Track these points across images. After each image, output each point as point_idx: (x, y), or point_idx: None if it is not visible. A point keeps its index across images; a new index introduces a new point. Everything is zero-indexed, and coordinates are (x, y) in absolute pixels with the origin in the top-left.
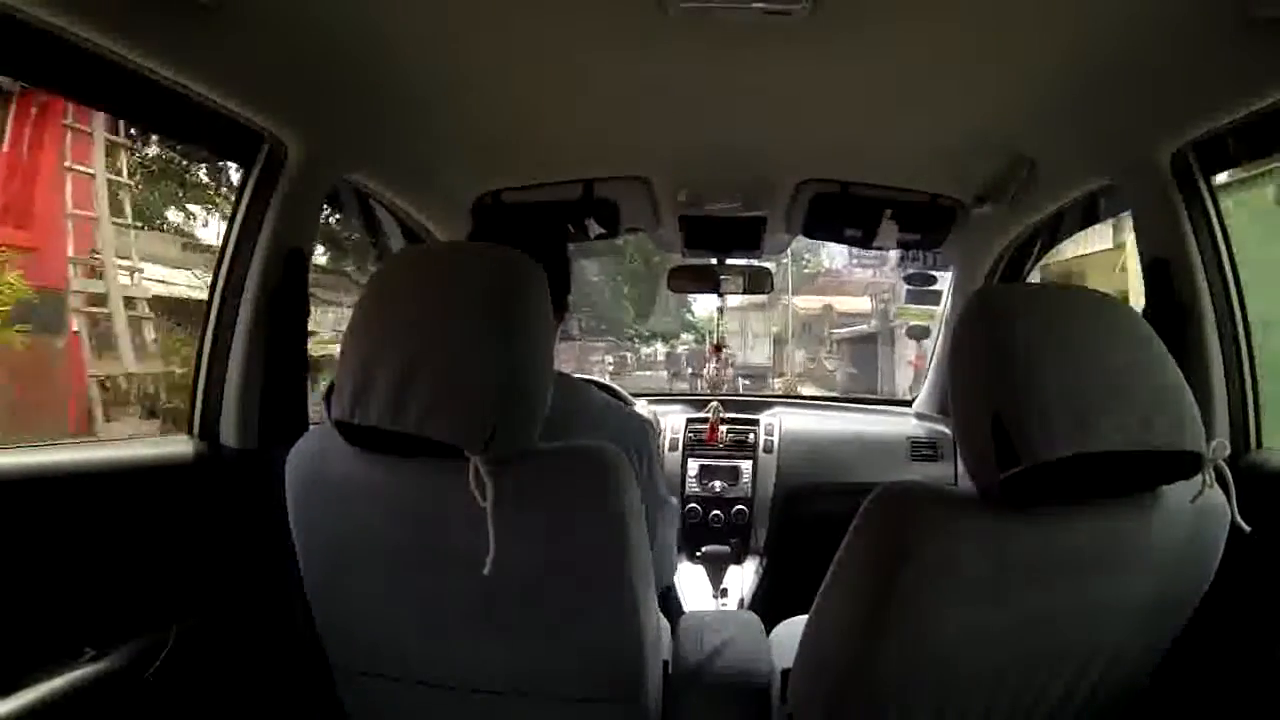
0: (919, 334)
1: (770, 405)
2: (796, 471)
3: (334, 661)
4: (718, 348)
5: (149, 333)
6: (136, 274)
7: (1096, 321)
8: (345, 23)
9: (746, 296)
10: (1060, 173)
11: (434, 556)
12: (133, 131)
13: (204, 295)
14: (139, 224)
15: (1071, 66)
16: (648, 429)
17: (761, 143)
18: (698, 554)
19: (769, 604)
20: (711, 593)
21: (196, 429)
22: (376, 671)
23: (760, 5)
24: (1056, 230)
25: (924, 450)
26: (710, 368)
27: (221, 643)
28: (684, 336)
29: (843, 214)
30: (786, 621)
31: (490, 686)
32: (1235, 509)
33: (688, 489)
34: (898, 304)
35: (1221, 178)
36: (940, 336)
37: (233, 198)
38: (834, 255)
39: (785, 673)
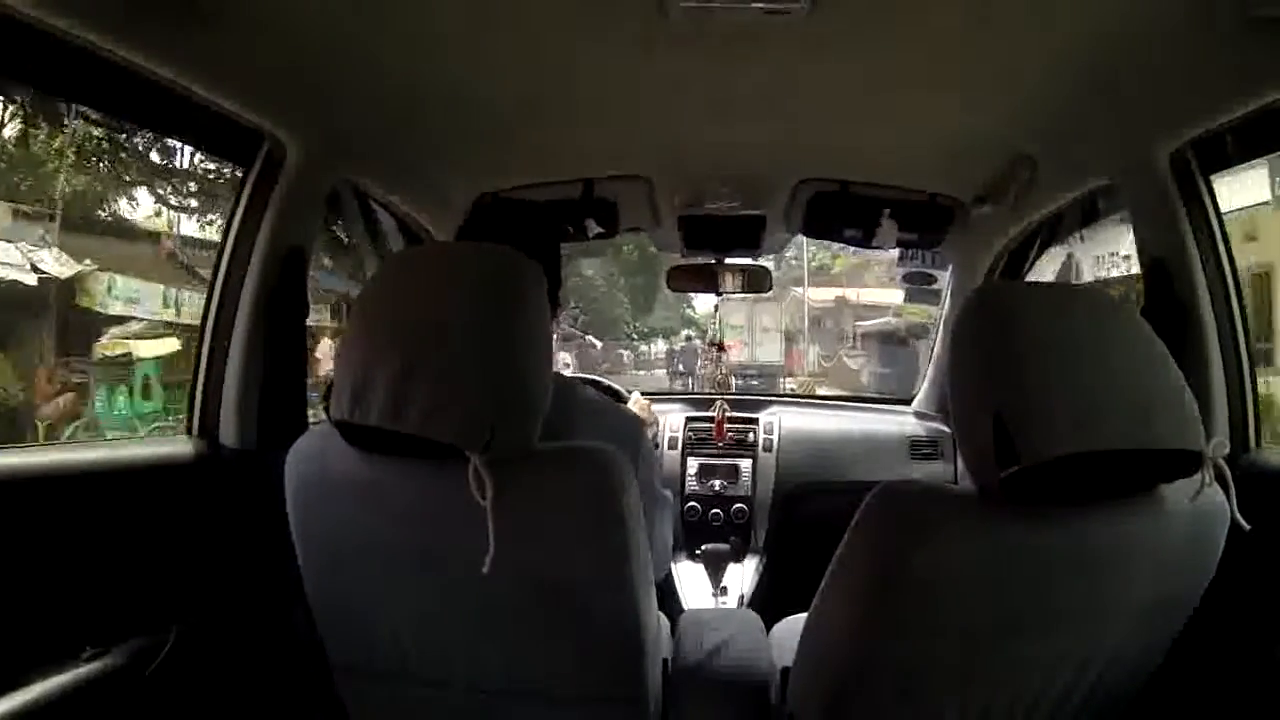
0: (918, 333)
1: (770, 404)
2: (796, 470)
3: (333, 661)
4: (718, 345)
5: None
6: None
7: (1096, 320)
8: (344, 23)
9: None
10: (1059, 172)
11: (433, 556)
12: None
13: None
14: None
15: (1071, 66)
16: (640, 425)
17: (761, 142)
18: (697, 552)
19: (769, 602)
20: (711, 591)
21: (196, 429)
22: (375, 671)
23: (760, 5)
24: (1056, 230)
25: (924, 449)
26: (708, 366)
27: (221, 642)
28: (685, 333)
29: (842, 213)
30: (786, 620)
31: (490, 685)
32: (1235, 508)
33: (687, 487)
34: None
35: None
36: (939, 335)
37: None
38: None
39: (785, 671)
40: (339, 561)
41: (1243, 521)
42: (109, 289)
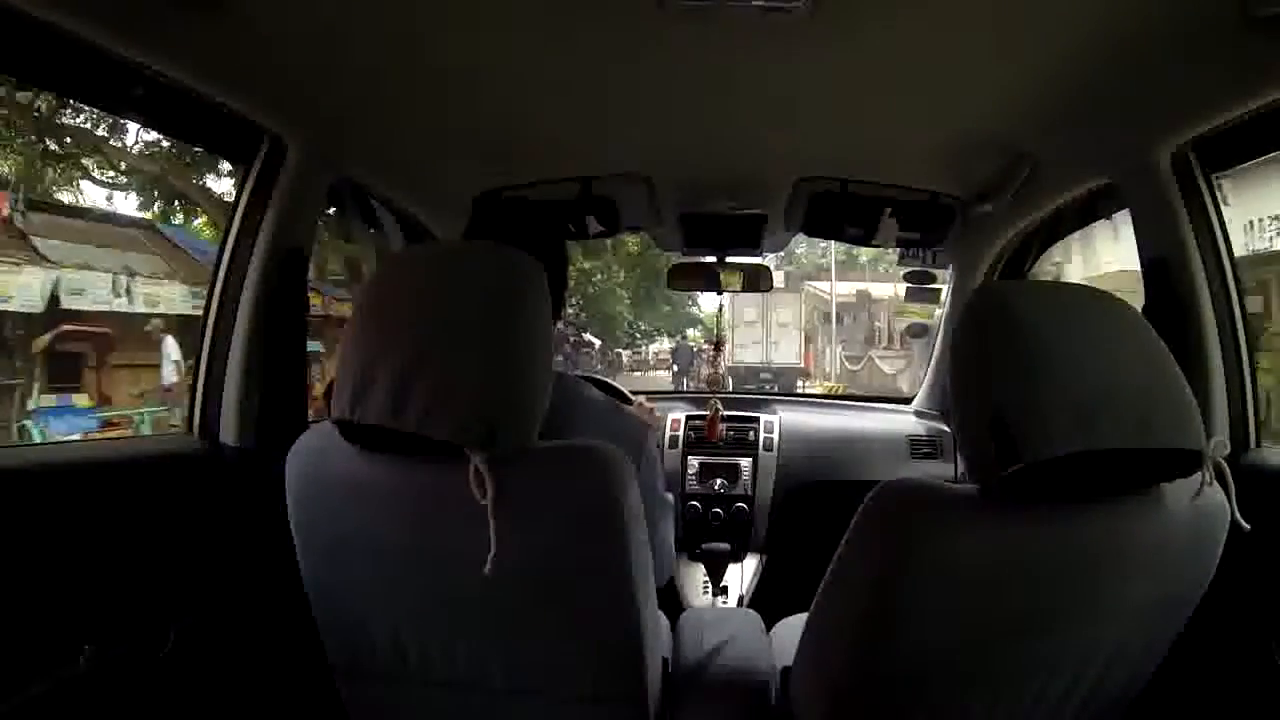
0: (918, 332)
1: (771, 403)
2: (796, 469)
3: (333, 660)
4: (715, 344)
5: None
6: None
7: (1096, 319)
8: (345, 20)
9: (776, 276)
10: (1060, 171)
11: (434, 555)
12: None
13: None
14: None
15: (1071, 65)
16: (645, 427)
17: (761, 140)
18: (697, 551)
19: (769, 602)
20: (711, 590)
21: (196, 428)
22: (376, 670)
23: (760, 3)
24: (1056, 229)
25: (924, 448)
26: (705, 367)
27: (221, 641)
28: (688, 331)
29: (842, 212)
30: (786, 620)
31: (490, 684)
32: (1235, 507)
33: (688, 486)
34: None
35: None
36: (940, 334)
37: None
38: None
39: (785, 671)
40: (339, 560)
41: (1242, 521)
42: None
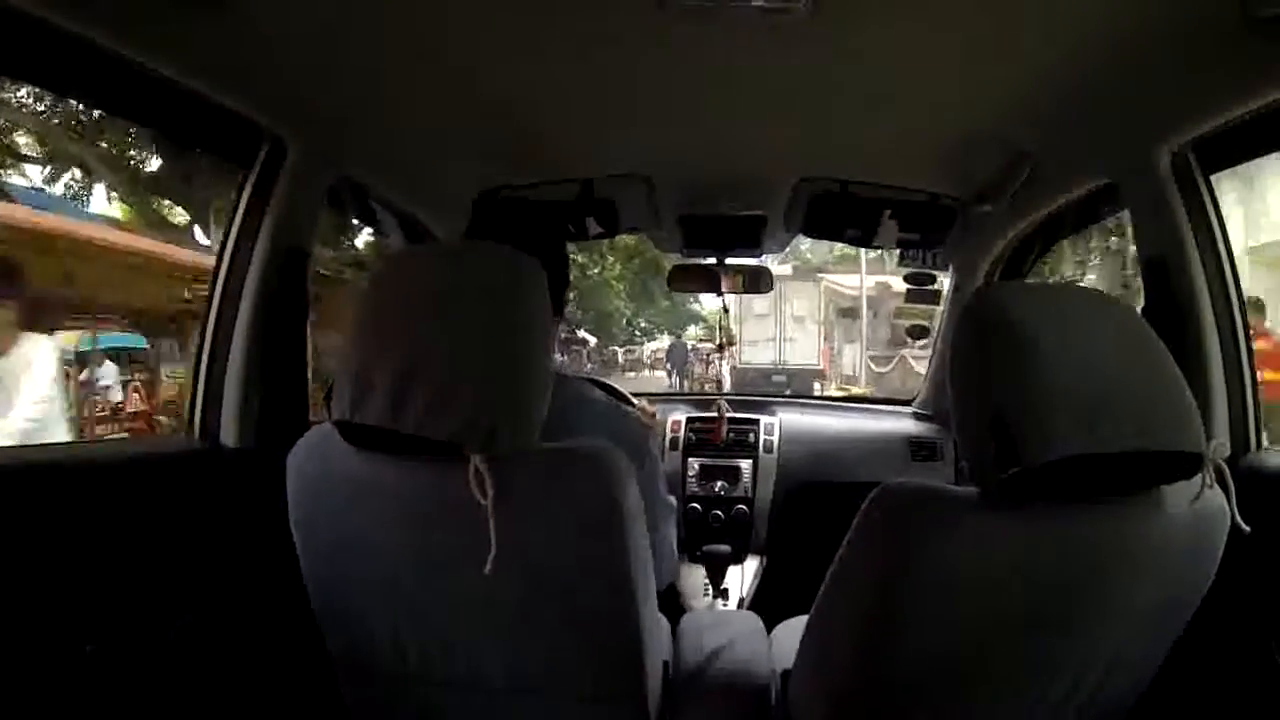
0: (918, 333)
1: (771, 405)
2: (797, 471)
3: (333, 660)
4: (719, 346)
5: None
6: None
7: (1096, 321)
8: (345, 20)
9: (785, 267)
10: (1060, 172)
11: (434, 555)
12: None
13: None
14: None
15: (1071, 65)
16: (647, 429)
17: (761, 141)
18: (698, 553)
19: (769, 604)
20: (711, 592)
21: (196, 428)
22: (376, 670)
23: (761, 3)
24: (1055, 230)
25: (924, 450)
26: (698, 365)
27: (222, 641)
28: (691, 330)
29: (842, 213)
30: (786, 622)
31: (490, 685)
32: (1235, 509)
33: (688, 488)
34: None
35: None
36: (939, 336)
37: None
38: None
39: (785, 673)
40: (339, 561)
41: (1243, 524)
42: None
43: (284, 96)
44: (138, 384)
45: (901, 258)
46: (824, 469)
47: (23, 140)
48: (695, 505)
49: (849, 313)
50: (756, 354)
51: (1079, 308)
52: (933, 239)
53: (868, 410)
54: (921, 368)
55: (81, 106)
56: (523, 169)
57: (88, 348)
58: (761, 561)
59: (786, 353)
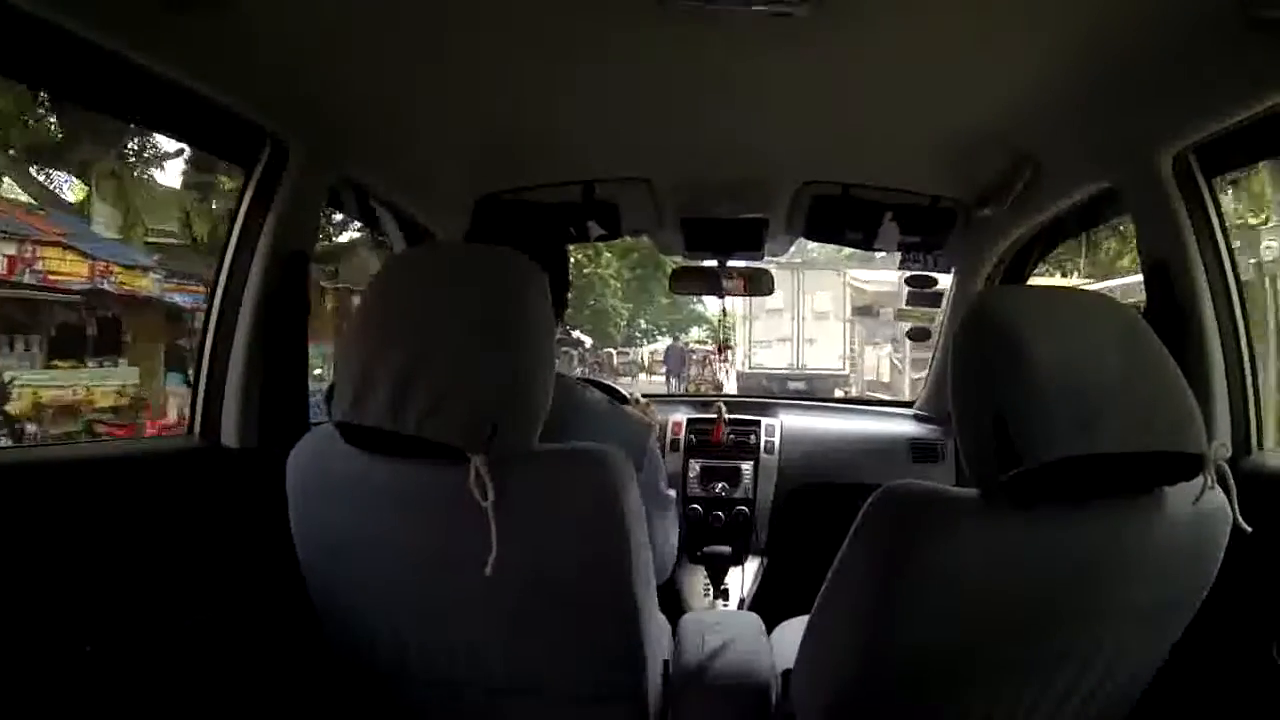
0: (919, 335)
1: (772, 407)
2: (797, 472)
3: (334, 659)
4: (719, 348)
5: None
6: None
7: (1097, 323)
8: (346, 22)
9: (804, 257)
10: (1061, 175)
11: (435, 556)
12: None
13: None
14: None
15: (1072, 69)
16: (648, 429)
17: (762, 144)
18: (698, 554)
19: (770, 605)
20: (712, 593)
21: (198, 429)
22: (377, 670)
23: (761, 5)
24: (1057, 233)
25: (925, 451)
26: (694, 367)
27: (222, 641)
28: (694, 331)
29: (844, 215)
30: (787, 622)
31: (490, 685)
32: (1236, 510)
33: (689, 490)
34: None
35: None
36: (941, 338)
37: None
38: None
39: (786, 674)
40: (340, 561)
41: (1244, 524)
42: None
43: (286, 98)
44: None
45: (903, 260)
46: (825, 470)
47: None
48: (696, 506)
49: (866, 310)
50: (770, 356)
51: (1080, 310)
52: (934, 242)
53: (868, 412)
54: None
55: None
56: (524, 171)
57: None
58: (762, 562)
59: (806, 355)
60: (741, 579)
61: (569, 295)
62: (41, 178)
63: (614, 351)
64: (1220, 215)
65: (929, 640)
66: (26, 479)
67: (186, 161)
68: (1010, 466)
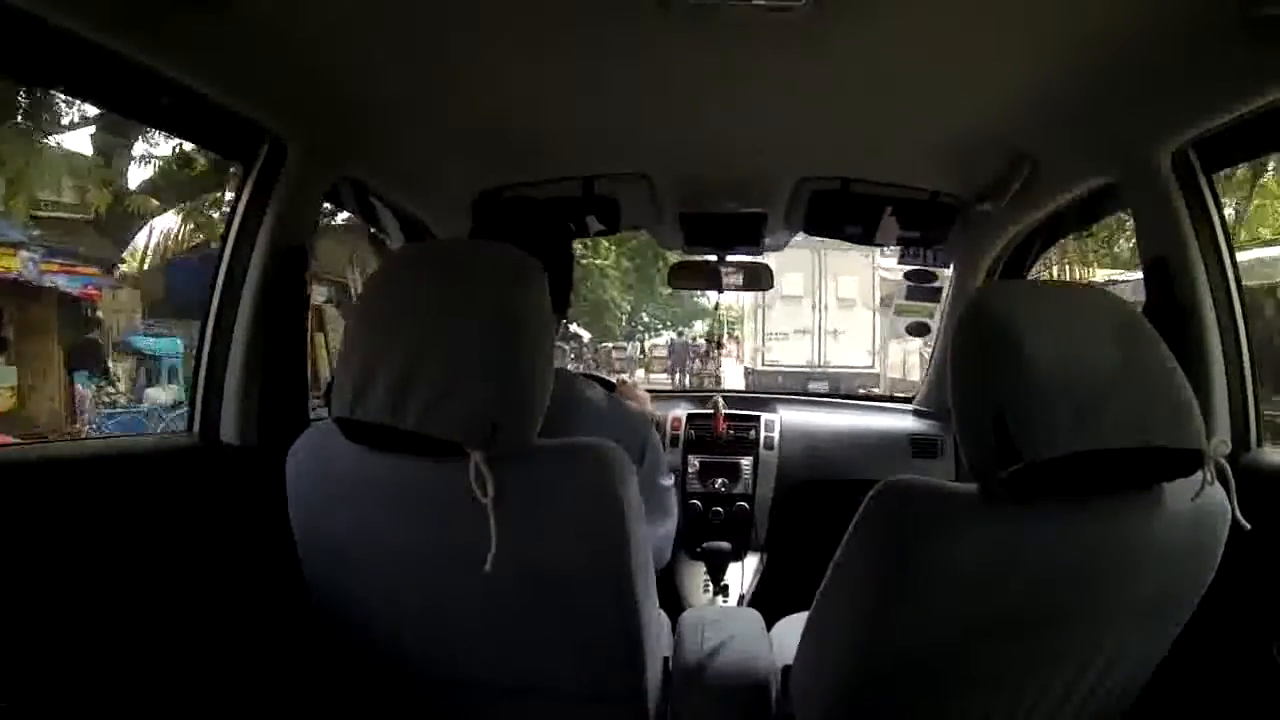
0: (918, 331)
1: (772, 402)
2: (797, 468)
3: (334, 658)
4: (716, 343)
5: None
6: None
7: (1097, 319)
8: (345, 20)
9: (829, 243)
10: (1061, 171)
11: (434, 553)
12: None
13: None
14: None
15: (1072, 65)
16: (648, 423)
17: (762, 139)
18: (698, 550)
19: (769, 601)
20: (711, 589)
21: (197, 426)
22: (377, 667)
23: (761, 2)
24: (1056, 229)
25: (924, 447)
26: (696, 361)
27: (221, 639)
28: (697, 325)
29: (843, 211)
30: (787, 619)
31: (490, 683)
32: (1235, 507)
33: (688, 485)
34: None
35: None
36: (940, 334)
37: None
38: None
39: (786, 670)
40: (340, 558)
41: (1243, 521)
42: None
43: (284, 96)
44: None
45: (902, 256)
46: (824, 466)
47: None
48: (695, 502)
49: (889, 301)
50: (786, 351)
51: (1079, 306)
52: (933, 237)
53: (868, 407)
54: None
55: None
56: (523, 168)
57: None
58: (762, 558)
59: (829, 349)
60: (741, 575)
61: (572, 294)
62: None
63: (611, 346)
64: (1220, 211)
65: (928, 636)
66: (26, 476)
67: (97, 122)
68: (1010, 462)
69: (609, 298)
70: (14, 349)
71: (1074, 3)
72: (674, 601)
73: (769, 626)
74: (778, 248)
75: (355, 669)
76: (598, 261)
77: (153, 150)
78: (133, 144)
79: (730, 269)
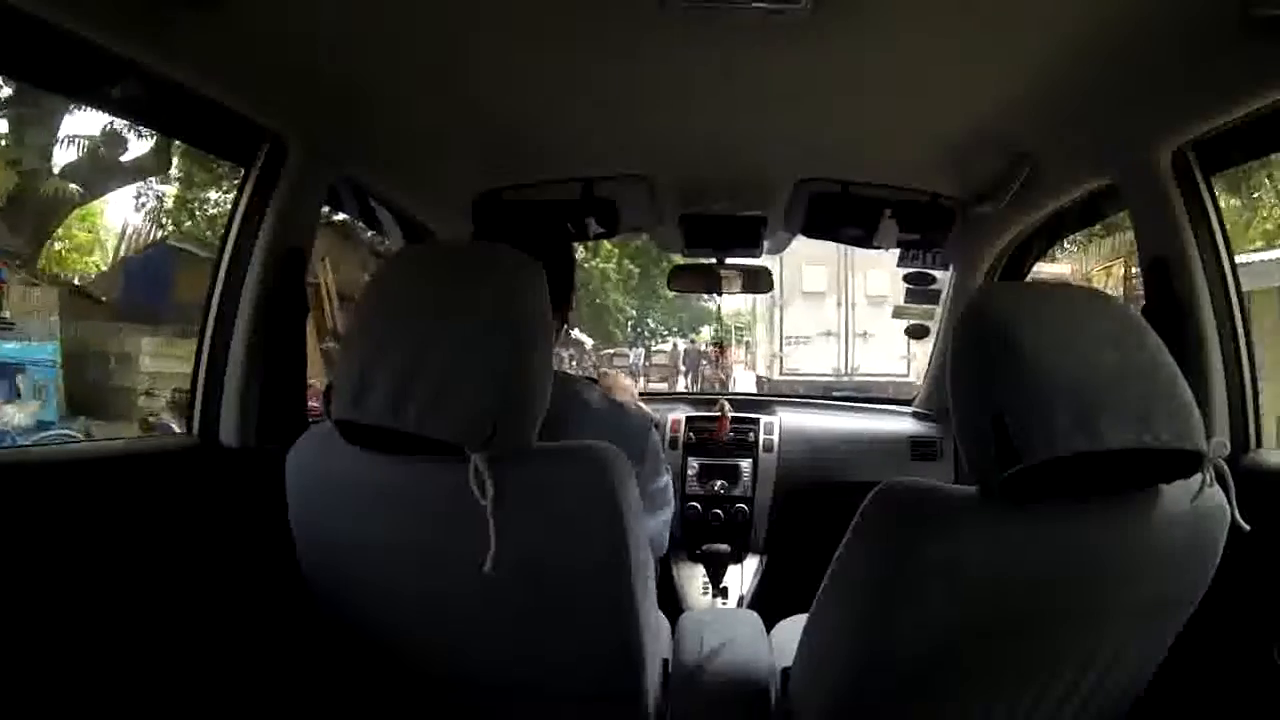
0: (917, 333)
1: (771, 404)
2: (797, 470)
3: (334, 659)
4: (721, 347)
5: None
6: None
7: (1096, 320)
8: (345, 20)
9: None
10: (1060, 172)
11: (433, 554)
12: None
13: None
14: None
15: (1071, 65)
16: (650, 425)
17: (761, 141)
18: (697, 552)
19: (769, 603)
20: (711, 591)
21: (196, 428)
22: (376, 668)
23: (762, 4)
24: (1056, 230)
25: (924, 449)
26: (708, 368)
27: (220, 640)
28: (704, 331)
29: (842, 213)
30: (786, 620)
31: (489, 683)
32: (1235, 508)
33: (688, 488)
34: None
35: None
36: (940, 336)
37: None
38: None
39: (785, 672)
40: (339, 560)
41: (1242, 522)
42: None
43: (284, 96)
44: None
45: (902, 258)
46: (824, 468)
47: None
48: (695, 504)
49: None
50: (808, 357)
51: (1078, 307)
52: (933, 239)
53: (867, 410)
54: None
55: None
56: (523, 169)
57: None
58: (761, 560)
59: (857, 354)
60: (740, 577)
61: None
62: None
63: (613, 353)
64: (1219, 212)
65: (928, 638)
66: (25, 478)
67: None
68: (1009, 464)
69: (611, 302)
70: None
71: (1073, 3)
72: (674, 603)
73: (768, 628)
74: (777, 250)
75: (354, 670)
76: (600, 265)
77: (79, 130)
78: (57, 120)
79: (730, 272)
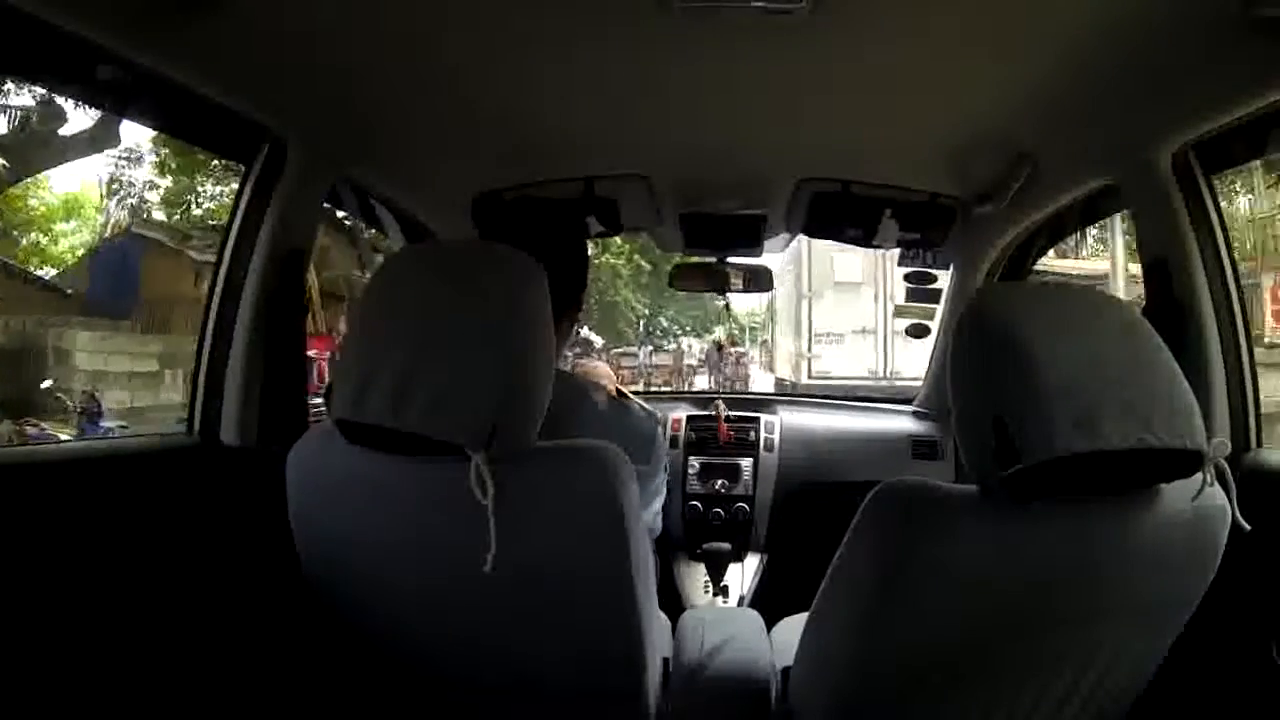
0: (918, 333)
1: (772, 403)
2: (797, 469)
3: (334, 658)
4: (719, 346)
5: None
6: None
7: (1096, 320)
8: (345, 20)
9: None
10: (1061, 172)
11: (434, 554)
12: None
13: None
14: None
15: (1072, 66)
16: (656, 425)
17: (761, 141)
18: (698, 551)
19: (769, 602)
20: (712, 590)
21: (196, 427)
22: (376, 668)
23: (761, 4)
24: (1057, 230)
25: (924, 448)
26: (730, 366)
27: (220, 640)
28: (718, 330)
29: (843, 213)
30: (787, 620)
31: (489, 682)
32: (1235, 508)
33: (688, 487)
34: None
35: None
36: (940, 335)
37: None
38: None
39: (786, 671)
40: (339, 560)
41: (1243, 522)
42: None
43: (284, 96)
44: None
45: (902, 257)
46: (824, 467)
47: None
48: (695, 503)
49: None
50: (840, 358)
51: (1079, 307)
52: (933, 238)
53: (868, 409)
54: None
55: None
56: (523, 168)
57: None
58: (762, 559)
59: (898, 356)
60: (741, 576)
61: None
62: None
63: (620, 353)
64: (1220, 212)
65: (928, 638)
66: (25, 476)
67: None
68: (1009, 464)
69: (621, 299)
70: None
71: (1074, 3)
72: (674, 602)
73: (769, 627)
74: (778, 250)
75: (355, 669)
76: (610, 260)
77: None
78: None
79: (730, 270)
